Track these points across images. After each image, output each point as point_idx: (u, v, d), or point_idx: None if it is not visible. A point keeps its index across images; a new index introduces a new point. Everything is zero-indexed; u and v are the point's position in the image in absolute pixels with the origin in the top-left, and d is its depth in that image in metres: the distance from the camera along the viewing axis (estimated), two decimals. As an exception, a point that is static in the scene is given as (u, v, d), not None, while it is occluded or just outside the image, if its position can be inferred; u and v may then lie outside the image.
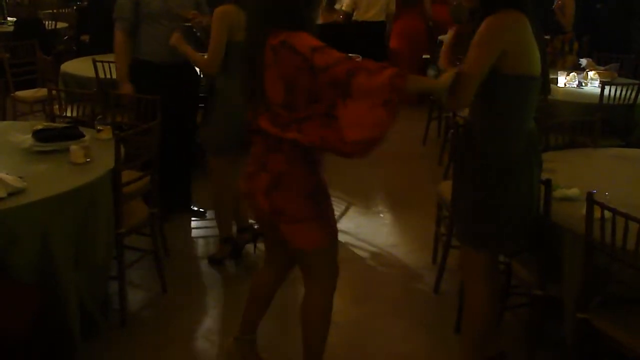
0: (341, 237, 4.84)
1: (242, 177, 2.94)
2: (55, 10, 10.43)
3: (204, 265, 4.47)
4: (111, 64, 5.46)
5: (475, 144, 2.89)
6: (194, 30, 4.65)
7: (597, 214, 2.72)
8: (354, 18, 8.70)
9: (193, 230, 5.02)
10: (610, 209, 2.66)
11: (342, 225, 5.11)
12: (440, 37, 8.60)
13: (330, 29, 8.20)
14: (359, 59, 2.87)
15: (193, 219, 5.16)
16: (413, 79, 2.53)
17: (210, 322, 3.85)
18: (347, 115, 2.53)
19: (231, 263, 4.47)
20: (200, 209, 5.23)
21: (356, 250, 4.77)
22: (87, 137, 3.75)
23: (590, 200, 2.74)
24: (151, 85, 4.51)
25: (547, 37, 6.84)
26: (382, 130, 2.52)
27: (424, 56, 8.87)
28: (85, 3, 8.32)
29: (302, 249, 2.85)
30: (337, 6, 9.17)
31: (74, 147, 3.51)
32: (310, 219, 2.79)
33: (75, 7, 10.68)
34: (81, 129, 3.89)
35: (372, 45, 8.32)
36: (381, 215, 5.47)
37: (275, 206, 2.76)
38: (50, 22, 9.62)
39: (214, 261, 4.48)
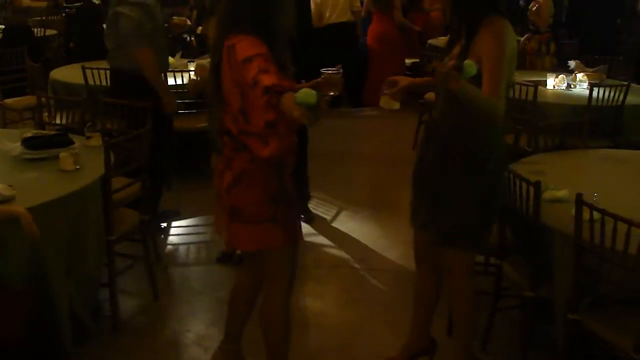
0: (332, 241, 4.89)
1: (214, 175, 2.97)
2: (44, 17, 10.39)
3: (196, 271, 4.47)
4: (100, 71, 5.45)
5: (464, 143, 2.92)
6: (184, 36, 4.68)
7: (586, 215, 2.73)
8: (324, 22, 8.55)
9: (184, 236, 5.01)
10: (599, 210, 2.67)
11: (332, 229, 5.11)
12: (430, 41, 8.64)
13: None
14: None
15: (175, 224, 5.16)
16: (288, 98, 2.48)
17: (202, 328, 3.84)
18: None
19: (224, 268, 4.47)
20: (173, 210, 5.25)
21: (347, 254, 4.76)
22: (76, 145, 3.75)
23: (580, 201, 2.75)
24: (149, 95, 4.50)
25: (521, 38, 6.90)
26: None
27: (409, 60, 8.92)
28: (74, 10, 8.31)
29: (246, 249, 2.92)
30: None
31: (63, 154, 3.51)
32: (265, 220, 2.79)
33: (64, 14, 10.67)
34: (71, 136, 3.89)
35: (344, 46, 8.22)
36: (372, 219, 5.47)
37: (233, 204, 2.78)
38: (39, 29, 9.58)
39: (223, 258, 4.49)
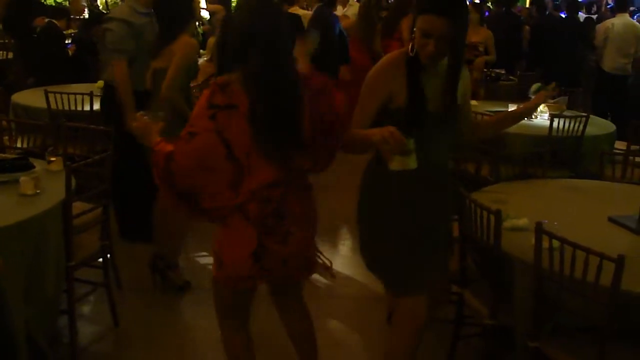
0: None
1: None
2: (5, 40, 10.29)
3: (157, 297, 4.42)
4: (63, 95, 5.40)
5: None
6: None
7: (545, 243, 2.77)
8: None
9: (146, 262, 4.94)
10: (558, 239, 2.70)
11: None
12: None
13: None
14: None
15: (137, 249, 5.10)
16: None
17: (163, 356, 3.79)
18: None
19: (187, 295, 4.42)
20: None
21: (312, 281, 4.74)
22: (37, 169, 3.70)
23: (539, 230, 2.79)
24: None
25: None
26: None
27: None
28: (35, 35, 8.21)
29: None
30: None
31: (23, 178, 3.46)
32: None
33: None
34: (32, 160, 3.84)
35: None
36: (335, 247, 5.47)
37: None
38: (0, 52, 9.50)
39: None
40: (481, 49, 7.83)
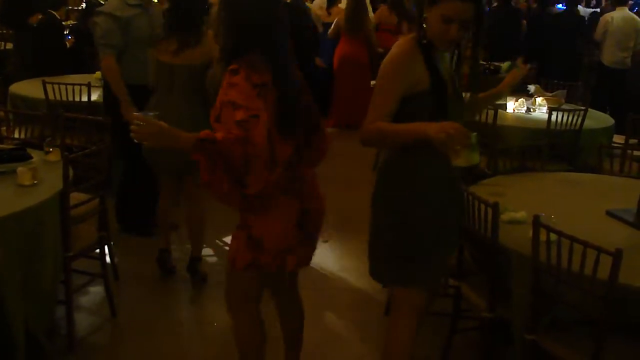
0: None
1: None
2: (4, 31, 10.26)
3: (155, 288, 4.42)
4: (61, 85, 5.39)
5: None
6: None
7: (543, 236, 2.77)
8: None
9: (144, 252, 4.94)
10: (555, 232, 2.70)
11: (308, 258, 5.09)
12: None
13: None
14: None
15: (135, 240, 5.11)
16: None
17: (160, 347, 3.79)
18: None
19: (185, 287, 4.43)
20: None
21: (306, 274, 4.74)
22: (35, 159, 3.70)
23: (537, 223, 2.79)
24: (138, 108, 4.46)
25: None
26: None
27: (374, 82, 8.94)
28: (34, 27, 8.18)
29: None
30: None
31: (21, 169, 3.46)
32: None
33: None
34: (29, 151, 3.83)
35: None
36: (329, 239, 5.47)
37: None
38: (-1, 43, 9.49)
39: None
40: None
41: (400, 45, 2.76)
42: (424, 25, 2.68)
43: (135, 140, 2.52)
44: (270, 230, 2.76)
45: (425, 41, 2.69)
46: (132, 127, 2.49)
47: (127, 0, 4.71)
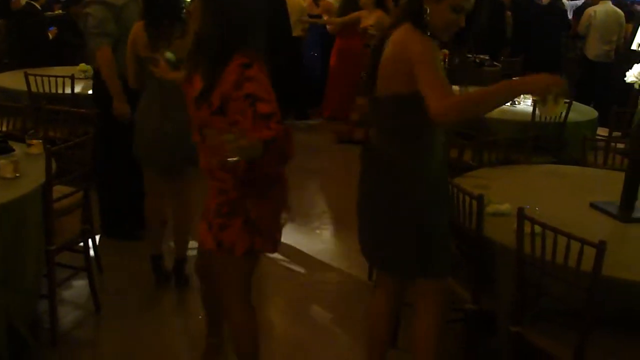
0: (279, 254, 4.86)
1: None
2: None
3: (140, 283, 4.39)
4: (44, 77, 5.35)
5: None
6: None
7: (527, 228, 2.77)
8: None
9: (128, 246, 4.92)
10: (540, 224, 2.71)
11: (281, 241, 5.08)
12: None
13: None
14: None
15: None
16: None
17: (144, 342, 3.77)
18: None
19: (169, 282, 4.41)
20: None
21: (294, 267, 4.75)
22: (16, 152, 3.67)
23: (521, 215, 2.79)
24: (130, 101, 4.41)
25: None
26: None
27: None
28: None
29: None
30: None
31: (2, 161, 3.43)
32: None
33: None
34: (11, 143, 3.80)
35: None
36: (318, 231, 5.47)
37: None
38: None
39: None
40: (372, 31, 7.62)
41: (408, 30, 2.70)
42: (427, 17, 2.68)
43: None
44: (266, 212, 2.83)
45: (429, 33, 2.69)
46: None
47: None
